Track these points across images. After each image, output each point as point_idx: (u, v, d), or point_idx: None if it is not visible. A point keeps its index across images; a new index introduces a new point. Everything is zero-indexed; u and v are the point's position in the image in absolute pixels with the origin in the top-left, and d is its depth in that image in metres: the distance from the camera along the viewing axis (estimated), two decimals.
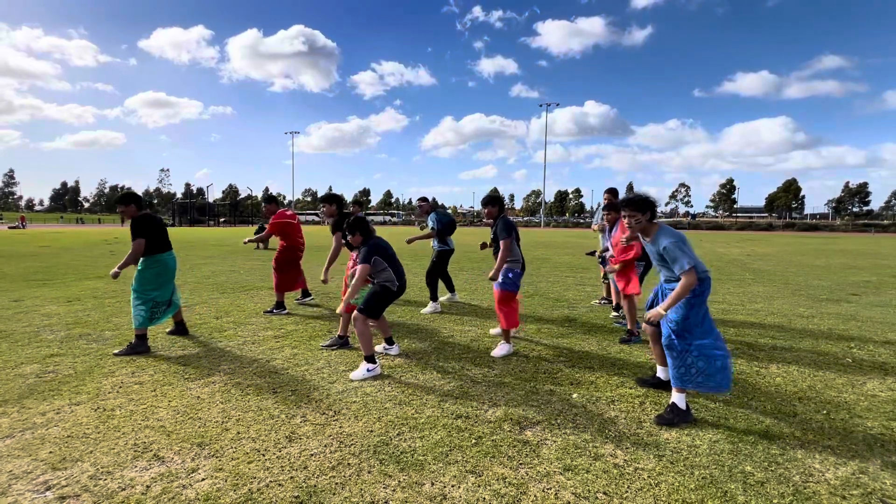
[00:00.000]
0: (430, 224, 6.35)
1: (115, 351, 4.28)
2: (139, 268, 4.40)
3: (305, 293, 6.66)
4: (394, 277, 3.88)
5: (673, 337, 2.96)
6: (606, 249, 5.55)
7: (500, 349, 4.33)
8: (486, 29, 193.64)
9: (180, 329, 4.87)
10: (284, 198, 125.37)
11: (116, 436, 2.73)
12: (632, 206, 3.00)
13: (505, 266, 4.28)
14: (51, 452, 2.55)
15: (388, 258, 3.90)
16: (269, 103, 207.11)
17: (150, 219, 4.40)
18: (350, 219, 3.95)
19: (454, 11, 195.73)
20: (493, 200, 4.44)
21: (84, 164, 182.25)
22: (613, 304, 5.91)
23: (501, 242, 4.27)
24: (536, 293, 7.64)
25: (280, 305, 6.02)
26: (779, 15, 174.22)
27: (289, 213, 6.35)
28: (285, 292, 6.17)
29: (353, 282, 3.80)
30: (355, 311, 3.80)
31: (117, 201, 4.46)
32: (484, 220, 5.24)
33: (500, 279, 4.30)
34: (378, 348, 4.30)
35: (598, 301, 6.83)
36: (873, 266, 12.43)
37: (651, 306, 3.27)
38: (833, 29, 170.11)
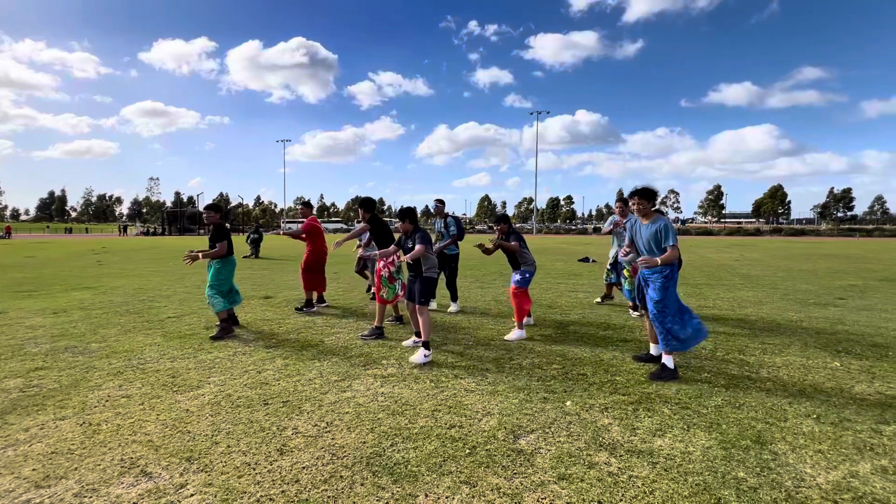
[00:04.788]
0: (452, 229, 6.56)
1: (211, 335, 5.09)
2: (217, 266, 5.32)
3: (320, 299, 6.98)
4: (436, 264, 4.61)
5: (656, 312, 3.80)
6: (615, 259, 6.65)
7: (513, 334, 5.12)
8: (482, 42, 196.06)
9: (234, 320, 5.64)
10: (276, 206, 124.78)
11: (102, 451, 2.67)
12: (640, 195, 3.89)
13: (523, 268, 5.32)
14: (34, 470, 2.48)
15: (431, 247, 4.58)
16: (267, 113, 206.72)
17: (227, 229, 5.42)
18: (402, 207, 4.69)
19: (451, 27, 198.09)
20: (504, 218, 5.50)
21: (74, 174, 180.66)
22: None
23: (517, 247, 5.33)
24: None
25: (309, 304, 6.64)
26: (760, 30, 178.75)
27: (317, 220, 7.02)
28: (314, 291, 6.77)
29: (411, 255, 4.41)
30: (417, 305, 4.47)
31: (206, 208, 5.44)
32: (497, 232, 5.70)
33: (518, 277, 5.29)
34: (408, 342, 4.90)
35: (598, 300, 7.41)
36: (858, 270, 12.65)
37: (638, 289, 4.10)
38: (812, 42, 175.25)
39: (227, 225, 5.52)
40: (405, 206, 4.74)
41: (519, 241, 5.32)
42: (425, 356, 4.25)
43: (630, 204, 3.96)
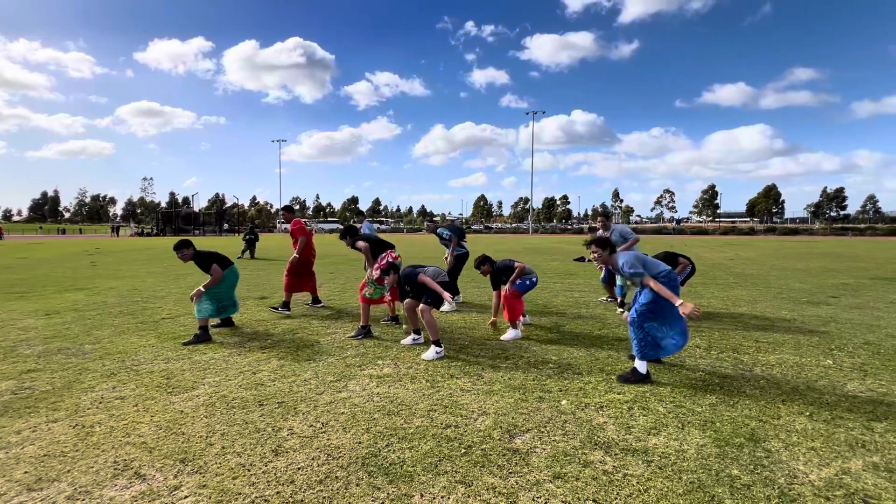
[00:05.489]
0: (446, 234, 7.19)
1: (183, 342, 4.94)
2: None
3: (316, 300, 7.00)
4: (441, 272, 4.76)
5: (635, 316, 3.77)
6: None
7: (509, 334, 5.14)
8: (479, 42, 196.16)
9: (227, 322, 5.63)
10: (272, 206, 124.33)
11: (96, 453, 2.65)
12: (596, 244, 3.96)
13: (524, 276, 5.42)
14: (26, 473, 2.46)
15: (419, 267, 4.72)
16: (263, 113, 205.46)
17: (206, 253, 5.33)
18: (384, 264, 5.05)
19: (448, 28, 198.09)
20: (484, 260, 5.53)
21: (69, 174, 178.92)
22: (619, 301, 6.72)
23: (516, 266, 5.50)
24: (524, 299, 7.66)
25: (286, 305, 6.48)
26: (753, 31, 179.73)
27: (303, 221, 6.99)
28: (293, 293, 6.68)
29: (445, 296, 4.55)
30: (422, 305, 4.55)
31: (175, 248, 5.22)
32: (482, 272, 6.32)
33: (518, 282, 5.39)
34: (407, 340, 4.92)
35: (603, 299, 7.54)
36: (850, 269, 12.75)
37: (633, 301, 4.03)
38: (805, 44, 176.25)
39: (211, 252, 5.34)
40: (390, 261, 5.16)
41: (509, 267, 5.38)
42: (437, 353, 4.38)
43: (589, 253, 4.03)
